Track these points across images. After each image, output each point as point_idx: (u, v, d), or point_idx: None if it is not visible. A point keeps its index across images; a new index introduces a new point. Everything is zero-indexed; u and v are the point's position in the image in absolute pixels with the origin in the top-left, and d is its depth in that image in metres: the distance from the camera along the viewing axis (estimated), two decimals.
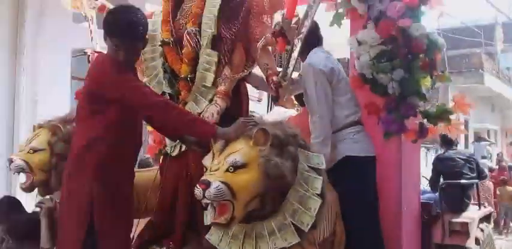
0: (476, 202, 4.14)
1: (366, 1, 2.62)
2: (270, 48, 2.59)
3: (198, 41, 2.52)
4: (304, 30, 2.21)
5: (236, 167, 1.76)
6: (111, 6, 2.97)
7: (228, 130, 1.90)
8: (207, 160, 1.88)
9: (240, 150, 1.80)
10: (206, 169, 1.84)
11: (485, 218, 4.11)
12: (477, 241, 3.75)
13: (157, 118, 2.06)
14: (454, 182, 3.92)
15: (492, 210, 4.74)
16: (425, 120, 2.58)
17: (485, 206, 4.30)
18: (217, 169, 1.78)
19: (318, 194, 1.84)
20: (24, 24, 4.83)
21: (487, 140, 14.30)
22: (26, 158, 2.60)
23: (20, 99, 4.87)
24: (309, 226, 1.82)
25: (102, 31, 2.08)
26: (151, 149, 3.52)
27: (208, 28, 2.50)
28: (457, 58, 14.53)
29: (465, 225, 3.60)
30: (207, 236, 1.97)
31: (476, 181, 4.20)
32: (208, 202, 1.74)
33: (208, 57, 2.50)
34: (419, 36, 2.50)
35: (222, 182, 1.72)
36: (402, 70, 2.49)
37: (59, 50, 5.00)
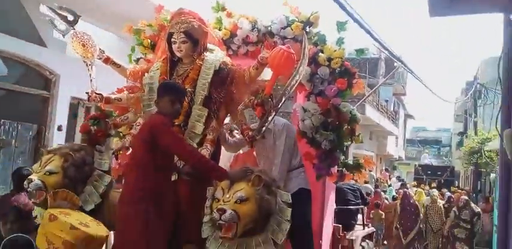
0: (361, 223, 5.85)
1: (312, 81, 4.06)
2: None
3: (192, 98, 3.72)
4: (279, 104, 3.56)
5: (241, 201, 3.01)
6: (114, 59, 4.03)
7: (234, 174, 3.15)
8: (218, 193, 3.10)
9: (243, 189, 3.06)
10: (218, 200, 3.07)
11: (368, 236, 5.82)
12: None
13: (189, 162, 3.23)
14: (344, 207, 5.52)
15: (374, 229, 6.51)
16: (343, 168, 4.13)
17: (368, 227, 6.03)
18: (228, 201, 3.01)
19: (287, 220, 3.18)
20: None
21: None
22: (43, 179, 3.53)
23: None
24: (282, 241, 3.14)
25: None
26: (115, 172, 4.54)
27: (202, 90, 3.69)
28: None
29: (350, 241, 5.22)
30: (208, 245, 3.18)
31: (362, 206, 5.90)
32: (222, 222, 2.96)
33: (199, 111, 3.69)
34: (345, 111, 4.00)
35: (233, 210, 2.96)
36: (333, 133, 3.96)
37: None
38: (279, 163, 3.73)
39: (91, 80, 4.00)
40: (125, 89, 4.37)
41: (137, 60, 4.59)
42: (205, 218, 3.28)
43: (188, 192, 3.53)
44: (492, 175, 15.07)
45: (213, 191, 3.22)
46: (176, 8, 3.94)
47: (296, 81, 3.56)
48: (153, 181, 3.14)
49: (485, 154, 15.83)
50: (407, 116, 36.05)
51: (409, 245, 11.45)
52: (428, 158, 35.33)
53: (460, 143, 26.55)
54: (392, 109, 26.79)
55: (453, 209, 11.63)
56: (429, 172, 23.05)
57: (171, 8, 4.28)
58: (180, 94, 3.35)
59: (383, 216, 11.39)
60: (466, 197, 12.20)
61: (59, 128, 7.44)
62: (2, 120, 6.75)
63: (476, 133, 20.15)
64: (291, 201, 3.27)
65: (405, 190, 13.33)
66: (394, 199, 12.90)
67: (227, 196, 3.07)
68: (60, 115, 7.52)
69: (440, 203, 12.39)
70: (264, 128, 3.63)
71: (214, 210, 3.00)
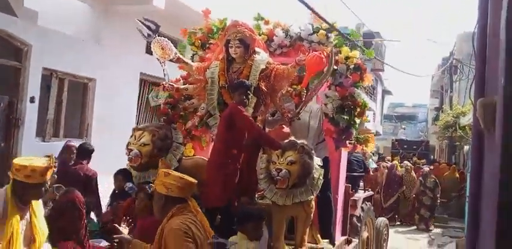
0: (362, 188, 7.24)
1: (333, 75, 5.30)
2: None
3: None
4: (312, 95, 4.82)
5: (291, 163, 4.31)
6: (185, 59, 5.19)
7: (285, 145, 4.40)
8: (274, 158, 4.38)
9: (292, 155, 4.34)
10: (275, 163, 4.34)
11: (368, 198, 7.21)
12: (362, 212, 6.79)
13: (255, 136, 4.47)
14: (350, 174, 6.85)
15: (372, 193, 7.92)
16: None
17: (368, 191, 7.42)
18: (282, 163, 4.30)
19: (320, 177, 4.48)
20: None
21: None
22: (139, 149, 4.76)
23: None
24: (317, 192, 4.46)
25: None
26: None
27: (252, 83, 4.91)
28: None
29: (354, 201, 6.58)
30: (265, 194, 4.48)
31: (362, 174, 7.26)
32: (279, 178, 4.25)
33: (250, 99, 4.92)
34: (358, 98, 5.27)
35: (286, 169, 4.26)
36: (348, 115, 5.24)
37: None
38: (312, 137, 5.01)
39: (164, 74, 5.18)
40: (181, 79, 5.59)
41: (192, 57, 5.77)
42: (261, 176, 4.58)
43: (246, 159, 4.78)
44: (466, 147, 16.35)
45: (268, 157, 4.51)
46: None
47: (325, 80, 4.82)
48: (230, 151, 4.39)
49: (459, 128, 16.71)
50: (385, 92, 37.28)
51: (388, 209, 13.06)
52: (404, 133, 36.64)
53: (435, 119, 27.69)
54: (370, 85, 27.78)
55: (419, 178, 13.25)
56: (405, 146, 24.20)
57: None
58: (246, 90, 4.57)
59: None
60: (427, 169, 13.77)
61: (32, 100, 7.30)
62: None
63: (451, 108, 20.88)
64: (322, 164, 4.57)
65: (389, 163, 14.85)
66: (376, 170, 14.32)
67: (281, 160, 4.36)
68: (32, 86, 7.36)
69: (413, 173, 13.95)
70: (301, 112, 4.89)
71: (273, 170, 4.31)
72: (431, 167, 14.87)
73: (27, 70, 7.27)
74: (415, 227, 13.34)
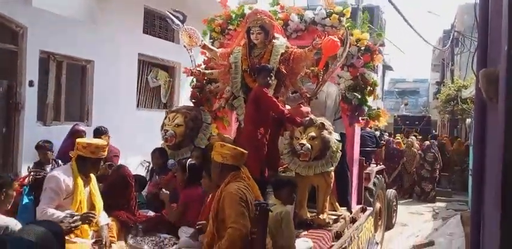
0: (375, 162, 7.73)
1: (347, 58, 5.72)
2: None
3: None
4: (328, 76, 5.26)
5: (313, 138, 4.78)
6: (210, 46, 5.62)
7: (306, 122, 4.86)
8: (297, 134, 4.85)
9: (313, 131, 4.81)
10: (298, 138, 4.82)
11: (380, 172, 7.72)
12: (375, 184, 7.31)
13: (281, 117, 4.92)
14: (363, 149, 7.33)
15: (384, 167, 8.43)
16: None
17: (380, 165, 7.93)
18: (304, 139, 4.77)
19: (339, 150, 4.96)
20: None
21: None
22: (174, 130, 5.24)
23: None
24: (336, 163, 4.95)
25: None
26: None
27: (273, 66, 5.34)
28: None
29: (368, 174, 7.08)
30: (289, 166, 4.97)
31: (375, 149, 7.74)
32: (302, 151, 4.73)
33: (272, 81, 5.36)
34: (368, 77, 5.72)
35: (309, 144, 4.73)
36: (360, 93, 5.69)
37: None
38: (328, 114, 5.48)
39: (191, 61, 5.62)
40: (202, 64, 6.03)
41: (212, 42, 6.19)
42: (285, 151, 5.06)
43: (270, 136, 5.25)
44: (468, 120, 16.52)
45: (291, 134, 4.98)
46: None
47: (340, 62, 5.27)
48: (259, 129, 4.86)
49: (461, 101, 16.50)
50: (386, 67, 36.99)
51: (392, 184, 13.54)
52: (405, 108, 36.65)
53: (437, 93, 27.59)
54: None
55: (418, 152, 13.64)
56: (407, 122, 24.30)
57: None
58: (269, 72, 4.96)
59: None
60: (428, 142, 14.17)
61: (31, 84, 7.11)
62: None
63: (452, 81, 20.62)
64: (339, 138, 5.05)
65: (388, 138, 15.28)
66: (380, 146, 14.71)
67: (303, 136, 4.84)
68: (30, 70, 7.11)
69: (416, 148, 14.35)
70: (319, 92, 5.34)
71: (296, 145, 4.79)
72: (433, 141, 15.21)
73: (24, 53, 7.05)
74: (416, 200, 13.75)
